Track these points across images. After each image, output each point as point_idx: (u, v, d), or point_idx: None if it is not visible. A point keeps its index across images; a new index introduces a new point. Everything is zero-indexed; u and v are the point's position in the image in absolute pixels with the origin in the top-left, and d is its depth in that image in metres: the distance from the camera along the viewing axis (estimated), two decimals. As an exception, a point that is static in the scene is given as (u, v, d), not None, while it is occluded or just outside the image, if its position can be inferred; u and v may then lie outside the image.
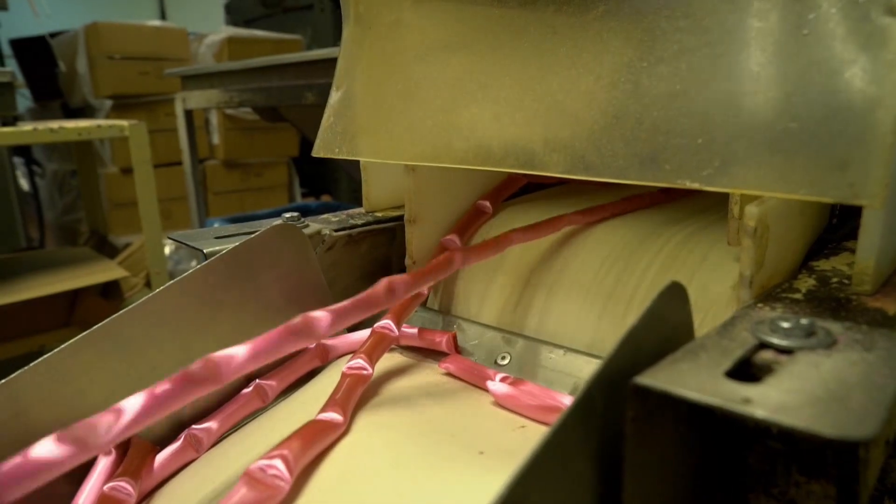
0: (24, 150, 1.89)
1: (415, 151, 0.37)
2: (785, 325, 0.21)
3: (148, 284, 1.22)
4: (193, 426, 0.33)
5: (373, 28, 0.39)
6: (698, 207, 0.42)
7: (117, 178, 1.81)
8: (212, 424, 0.34)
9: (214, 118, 1.96)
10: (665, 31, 0.28)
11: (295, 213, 0.41)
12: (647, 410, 0.18)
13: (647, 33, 0.28)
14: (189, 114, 1.35)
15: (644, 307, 0.33)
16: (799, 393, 0.17)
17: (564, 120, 0.31)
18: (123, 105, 1.82)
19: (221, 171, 2.00)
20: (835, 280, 0.28)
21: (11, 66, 1.78)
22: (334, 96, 0.42)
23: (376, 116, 0.39)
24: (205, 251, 0.35)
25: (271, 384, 0.36)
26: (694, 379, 0.18)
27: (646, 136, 0.28)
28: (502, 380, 0.33)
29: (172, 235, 0.38)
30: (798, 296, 0.26)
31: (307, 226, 0.41)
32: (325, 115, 0.42)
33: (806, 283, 0.28)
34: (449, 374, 0.36)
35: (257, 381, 0.36)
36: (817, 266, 0.30)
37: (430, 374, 0.37)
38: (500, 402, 0.32)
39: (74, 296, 1.08)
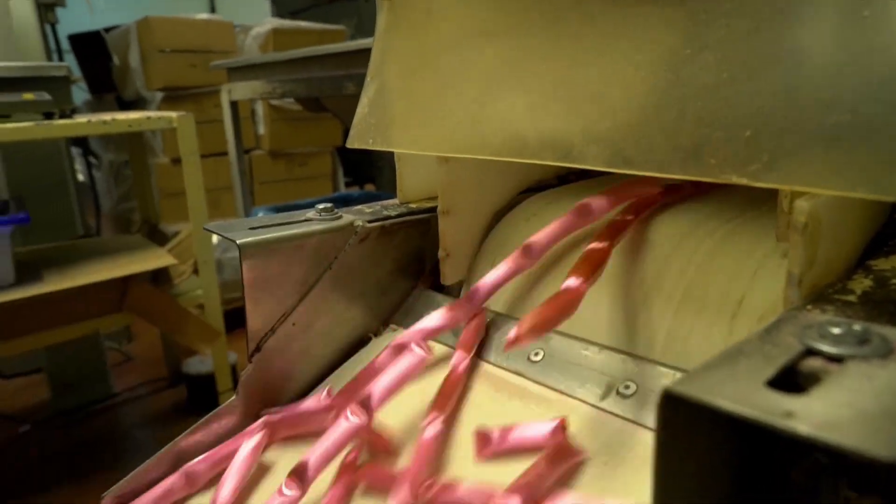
0: (81, 142, 1.97)
1: (448, 143, 0.36)
2: (835, 330, 0.19)
3: (196, 272, 1.25)
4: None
5: (406, 17, 0.38)
6: (746, 200, 0.40)
7: (168, 168, 1.87)
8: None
9: (260, 109, 1.99)
10: (710, 16, 0.26)
11: (328, 204, 0.41)
12: (679, 420, 0.17)
13: (691, 18, 0.27)
14: (234, 105, 1.37)
15: (685, 305, 0.32)
16: (848, 407, 0.16)
17: (603, 111, 0.30)
18: (174, 97, 1.87)
19: (267, 161, 2.03)
20: (894, 281, 0.26)
21: (69, 60, 1.85)
22: (368, 86, 0.42)
23: (410, 107, 0.38)
24: (238, 242, 0.35)
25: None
26: (731, 388, 0.17)
27: (689, 129, 0.26)
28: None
29: (208, 226, 0.38)
30: (852, 298, 0.25)
31: (339, 217, 0.41)
32: (360, 106, 0.42)
33: (861, 283, 0.26)
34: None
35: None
36: (875, 265, 0.28)
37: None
38: None
39: (126, 282, 1.11)
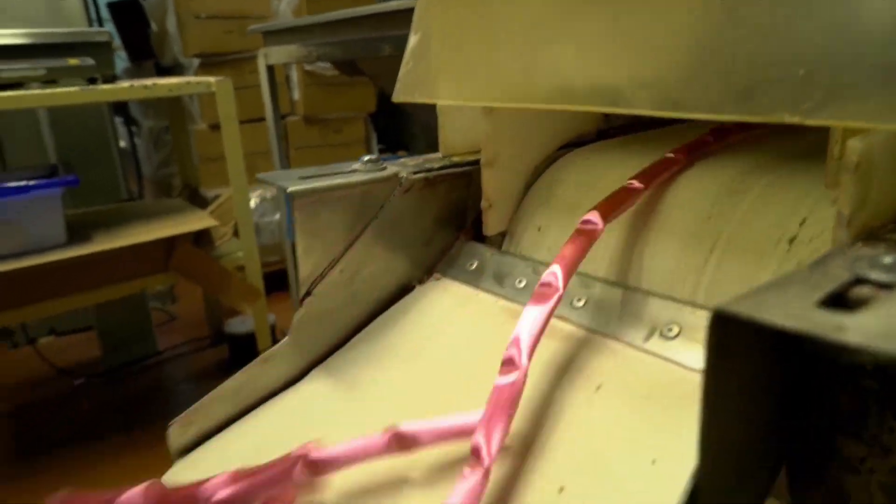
0: (122, 110, 2.01)
1: (495, 93, 0.36)
2: (887, 260, 0.20)
3: (236, 234, 1.28)
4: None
5: (453, -34, 0.38)
6: (792, 151, 0.40)
7: (206, 134, 1.90)
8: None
9: (295, 75, 2.00)
10: (766, -47, 0.26)
11: (373, 156, 0.42)
12: (729, 340, 0.18)
13: (747, -45, 0.26)
14: (271, 69, 1.38)
15: (729, 252, 0.32)
16: (899, 324, 0.16)
17: (652, 55, 0.30)
18: (210, 63, 1.89)
19: (302, 127, 2.05)
20: (947, 222, 0.26)
21: (109, 28, 1.88)
22: (413, 40, 0.42)
23: (455, 58, 0.39)
24: (288, 189, 0.37)
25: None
26: (782, 307, 0.17)
27: (741, 69, 0.26)
28: None
29: (261, 176, 0.40)
30: (903, 237, 0.25)
31: (385, 168, 0.41)
32: (404, 60, 0.42)
33: (913, 225, 0.26)
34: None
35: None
36: (927, 209, 0.28)
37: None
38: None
39: (170, 243, 1.15)
